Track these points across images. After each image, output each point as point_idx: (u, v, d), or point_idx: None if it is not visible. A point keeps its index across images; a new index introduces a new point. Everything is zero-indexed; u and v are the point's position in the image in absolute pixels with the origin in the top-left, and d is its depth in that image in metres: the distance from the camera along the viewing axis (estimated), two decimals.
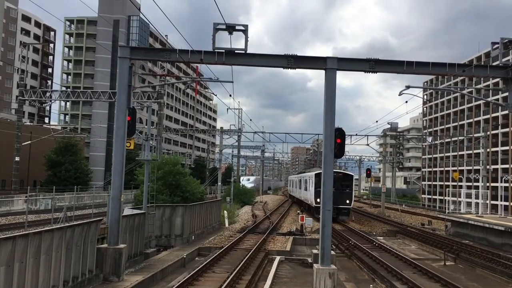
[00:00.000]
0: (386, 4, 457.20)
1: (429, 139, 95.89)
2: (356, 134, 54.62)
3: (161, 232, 24.13)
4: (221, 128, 61.45)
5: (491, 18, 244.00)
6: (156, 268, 17.19)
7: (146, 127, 26.62)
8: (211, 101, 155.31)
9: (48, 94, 43.97)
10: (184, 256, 19.82)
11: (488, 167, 50.26)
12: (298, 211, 40.05)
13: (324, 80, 14.78)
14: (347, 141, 52.90)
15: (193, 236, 25.55)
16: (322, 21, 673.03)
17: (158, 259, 19.77)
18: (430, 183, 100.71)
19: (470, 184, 55.60)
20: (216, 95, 35.46)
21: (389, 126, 69.15)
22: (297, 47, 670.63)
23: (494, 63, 16.91)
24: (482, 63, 68.06)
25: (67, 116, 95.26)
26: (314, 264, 14.59)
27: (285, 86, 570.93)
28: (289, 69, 15.15)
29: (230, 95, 32.08)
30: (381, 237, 31.39)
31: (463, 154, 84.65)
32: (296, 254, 23.38)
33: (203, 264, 17.66)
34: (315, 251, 18.49)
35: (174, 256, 19.98)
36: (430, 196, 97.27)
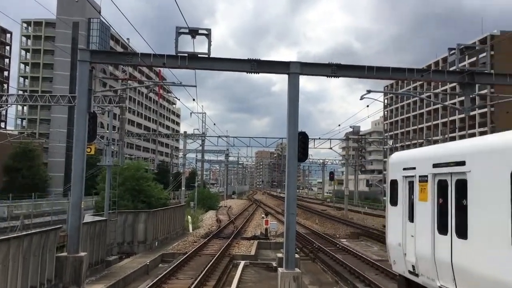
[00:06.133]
0: (350, 9, 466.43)
1: (390, 142, 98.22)
2: (319, 138, 55.44)
3: (123, 239, 23.66)
4: (185, 132, 60.93)
5: (453, 24, 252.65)
6: (118, 276, 16.82)
7: (107, 131, 26.10)
8: (174, 105, 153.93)
9: (4, 98, 42.46)
10: (147, 263, 19.48)
11: None
12: (263, 215, 40.08)
13: (287, 84, 14.88)
14: (311, 144, 53.55)
15: (156, 242, 25.17)
16: (287, 25, 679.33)
17: (121, 266, 19.34)
18: None
19: None
20: (179, 100, 35.19)
21: (351, 129, 70.53)
22: (262, 50, 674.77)
23: (451, 69, 17.40)
24: (440, 68, 70.30)
25: (24, 120, 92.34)
26: (279, 268, 14.62)
27: (250, 90, 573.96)
28: (253, 73, 15.17)
29: (194, 100, 31.79)
30: (345, 240, 31.80)
31: None
32: (261, 258, 23.39)
33: (166, 271, 17.40)
34: (279, 254, 18.56)
35: (137, 263, 19.61)
36: None
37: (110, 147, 22.88)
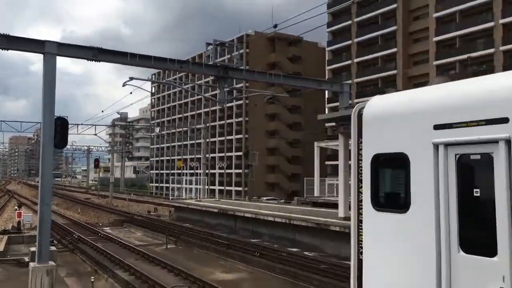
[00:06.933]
0: None
1: (157, 129, 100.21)
2: (82, 124, 52.94)
3: None
4: None
5: (221, 19, 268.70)
6: None
7: None
8: None
9: None
10: None
11: (207, 155, 55.59)
12: (16, 207, 36.42)
13: (43, 65, 13.85)
14: (74, 130, 50.91)
15: None
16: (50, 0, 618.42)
17: None
18: (158, 171, 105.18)
19: (192, 171, 60.54)
20: None
21: (119, 116, 69.32)
22: (19, 26, 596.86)
23: (210, 62, 18.68)
24: (203, 61, 74.50)
25: None
26: (30, 263, 13.65)
27: (2, 67, 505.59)
28: (1, 50, 13.61)
29: None
30: (108, 228, 31.43)
31: (187, 144, 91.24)
32: (11, 254, 21.36)
33: None
34: (32, 249, 17.25)
35: None
36: (158, 184, 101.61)
37: None
